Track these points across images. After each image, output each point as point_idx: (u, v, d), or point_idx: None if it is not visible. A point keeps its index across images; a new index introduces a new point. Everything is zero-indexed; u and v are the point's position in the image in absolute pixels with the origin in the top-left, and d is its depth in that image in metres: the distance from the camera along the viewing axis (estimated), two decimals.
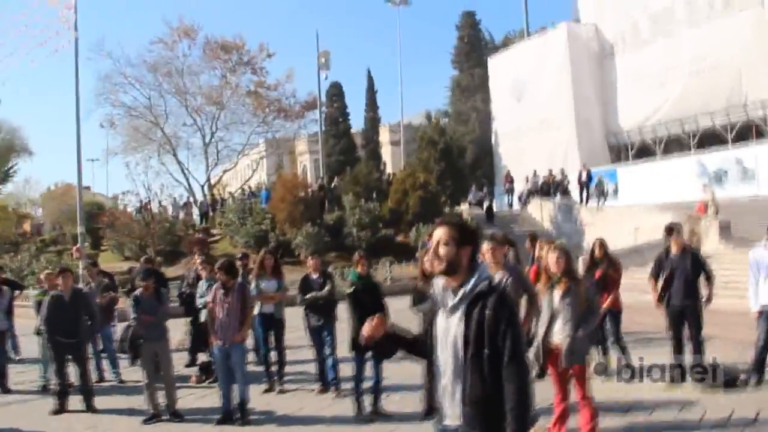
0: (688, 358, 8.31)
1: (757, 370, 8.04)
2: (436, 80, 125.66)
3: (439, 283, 3.42)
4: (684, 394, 7.66)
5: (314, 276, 9.41)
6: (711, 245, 18.24)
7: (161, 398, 8.37)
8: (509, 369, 3.16)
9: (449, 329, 3.32)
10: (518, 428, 3.15)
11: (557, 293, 6.14)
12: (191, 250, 23.80)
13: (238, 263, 10.59)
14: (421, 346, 3.56)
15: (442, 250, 3.31)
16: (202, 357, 11.27)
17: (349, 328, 7.77)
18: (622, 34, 37.85)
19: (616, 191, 34.01)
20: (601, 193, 30.12)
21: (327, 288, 9.22)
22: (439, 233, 3.37)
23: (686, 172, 30.91)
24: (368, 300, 7.67)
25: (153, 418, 8.19)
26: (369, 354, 7.79)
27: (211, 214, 34.27)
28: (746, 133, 32.93)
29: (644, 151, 37.74)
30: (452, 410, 3.33)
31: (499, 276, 6.60)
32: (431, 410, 3.60)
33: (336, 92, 53.86)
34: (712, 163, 30.84)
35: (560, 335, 6.03)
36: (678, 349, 8.37)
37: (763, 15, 29.46)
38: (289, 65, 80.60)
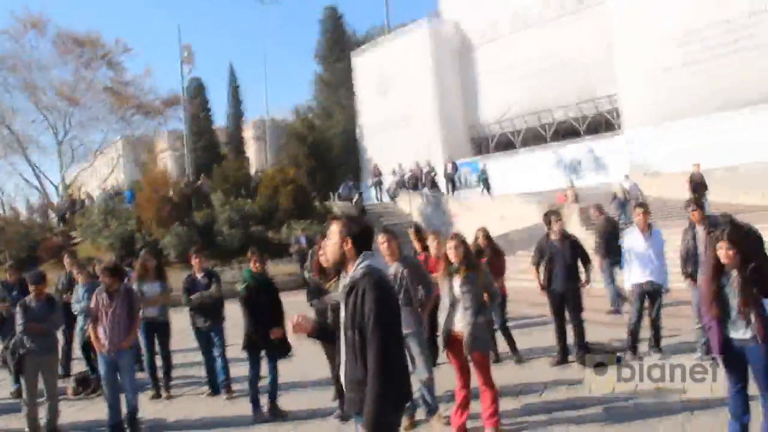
0: (571, 340, 8.74)
1: (632, 346, 8.56)
2: (299, 76, 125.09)
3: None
4: (570, 374, 8.05)
5: (199, 276, 9.11)
6: (573, 232, 19.17)
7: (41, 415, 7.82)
8: (369, 351, 3.32)
9: (341, 316, 3.56)
10: (371, 410, 3.27)
11: (456, 281, 6.26)
12: (52, 256, 22.54)
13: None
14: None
15: (328, 245, 3.60)
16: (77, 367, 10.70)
17: (244, 327, 7.60)
18: (482, 30, 39.13)
19: (479, 183, 35.25)
20: (486, 184, 30.99)
21: (213, 288, 8.96)
22: (329, 230, 3.64)
23: (545, 162, 32.50)
24: (263, 298, 7.54)
25: None
26: (263, 353, 7.68)
27: (68, 216, 32.39)
28: (597, 124, 35.05)
29: (505, 144, 39.27)
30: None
31: (395, 267, 6.66)
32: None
33: (197, 88, 52.46)
34: (568, 154, 32.59)
35: (461, 323, 6.15)
36: (561, 333, 8.75)
37: (609, 12, 31.33)
38: (149, 61, 77.21)
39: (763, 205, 20.31)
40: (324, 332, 3.94)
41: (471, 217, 24.50)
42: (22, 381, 7.87)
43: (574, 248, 8.78)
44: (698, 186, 20.54)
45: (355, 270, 3.47)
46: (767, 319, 5.03)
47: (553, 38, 34.57)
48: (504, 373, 7.87)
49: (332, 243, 3.55)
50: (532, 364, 8.82)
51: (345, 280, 3.54)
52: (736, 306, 5.11)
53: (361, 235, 3.58)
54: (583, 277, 8.85)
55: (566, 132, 36.16)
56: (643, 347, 8.61)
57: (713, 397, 6.30)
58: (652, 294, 8.57)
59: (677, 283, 11.60)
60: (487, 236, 9.56)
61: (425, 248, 9.23)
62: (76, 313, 9.91)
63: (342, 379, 3.58)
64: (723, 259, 5.12)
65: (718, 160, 24.78)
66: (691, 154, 25.81)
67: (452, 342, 6.22)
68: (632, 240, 8.69)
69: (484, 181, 31.07)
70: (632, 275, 8.63)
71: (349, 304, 3.43)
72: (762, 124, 24.28)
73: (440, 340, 6.48)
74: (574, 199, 24.00)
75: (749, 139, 24.30)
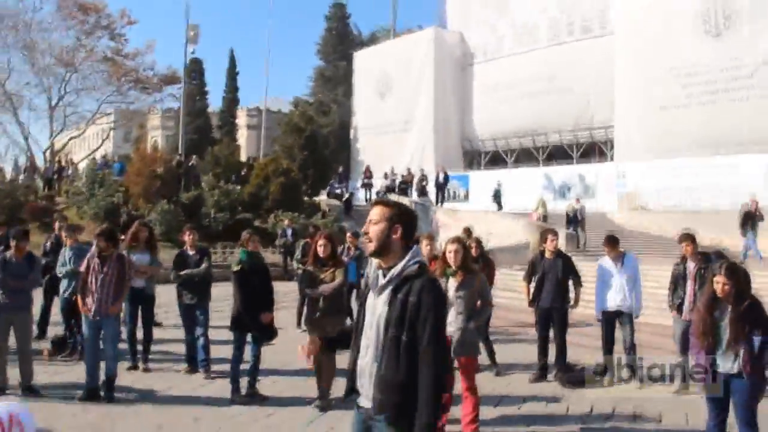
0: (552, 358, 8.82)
1: (609, 370, 8.65)
2: (298, 70, 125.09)
3: (374, 263, 3.44)
4: (549, 391, 8.12)
5: (190, 252, 9.10)
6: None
7: (11, 372, 7.73)
8: (426, 354, 3.13)
9: (375, 310, 3.30)
10: (428, 415, 3.10)
11: (452, 285, 6.30)
12: (35, 219, 22.37)
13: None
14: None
15: (372, 229, 3.31)
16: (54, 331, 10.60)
17: (233, 307, 7.61)
18: (485, 44, 39.39)
19: (467, 196, 35.41)
20: (498, 200, 30.78)
21: (204, 265, 8.95)
22: (373, 212, 3.37)
23: (534, 183, 32.65)
24: (256, 280, 7.54)
25: None
26: (249, 335, 7.69)
27: (55, 181, 32.05)
28: (590, 152, 35.35)
29: (496, 160, 39.49)
30: (368, 391, 3.30)
31: None
32: (351, 391, 3.56)
33: (196, 69, 52.33)
34: (558, 177, 32.78)
35: (452, 327, 6.18)
36: (544, 349, 8.82)
37: (613, 44, 31.64)
38: (150, 35, 76.62)
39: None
40: (332, 343, 3.82)
41: (458, 228, 24.50)
42: None
43: (567, 267, 8.86)
44: (752, 218, 20.05)
45: (406, 264, 3.24)
46: (755, 354, 5.16)
47: (557, 62, 34.86)
48: (483, 384, 7.89)
49: (379, 228, 3.30)
50: (511, 378, 8.88)
51: (387, 272, 3.28)
52: (725, 339, 5.21)
53: (409, 224, 3.37)
54: (572, 297, 8.94)
55: (558, 155, 36.45)
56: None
57: (689, 429, 6.39)
58: (622, 321, 8.68)
59: (653, 316, 11.79)
60: (480, 246, 9.60)
61: None
62: (60, 275, 9.82)
63: (364, 371, 3.35)
64: (719, 293, 5.23)
65: (705, 201, 25.13)
66: (678, 193, 26.18)
67: None
68: (604, 266, 8.80)
69: (497, 198, 30.70)
70: (601, 301, 8.73)
71: (396, 301, 3.21)
72: (750, 170, 24.62)
73: None
74: (542, 218, 24.58)
75: (736, 184, 24.61)
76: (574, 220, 23.84)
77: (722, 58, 27.43)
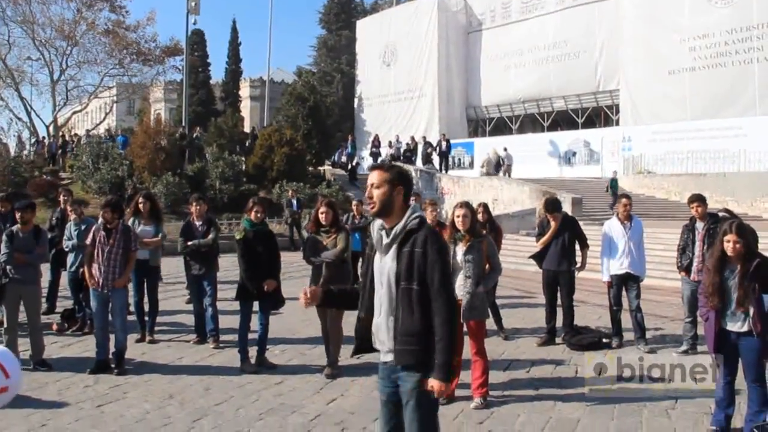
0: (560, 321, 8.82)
1: (617, 333, 8.66)
2: (301, 38, 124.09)
3: (376, 225, 3.58)
4: (557, 354, 8.13)
5: (197, 223, 9.06)
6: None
7: (22, 346, 7.75)
8: (437, 301, 3.35)
9: (384, 268, 3.50)
10: (445, 359, 3.33)
11: (460, 249, 6.28)
12: (40, 195, 22.37)
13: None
14: (355, 299, 3.75)
15: (374, 193, 3.50)
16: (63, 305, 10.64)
17: (239, 277, 7.60)
18: (491, 11, 38.96)
19: (471, 163, 35.28)
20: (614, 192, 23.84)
21: (211, 236, 8.92)
22: (373, 177, 3.56)
23: (539, 150, 32.52)
24: (261, 249, 7.49)
25: None
26: (255, 305, 7.69)
27: (59, 156, 31.98)
28: (595, 118, 35.13)
29: (500, 127, 39.27)
30: (387, 346, 3.49)
31: None
32: (359, 350, 3.75)
33: (198, 40, 51.95)
34: (563, 143, 32.60)
35: (461, 291, 6.17)
36: (551, 312, 8.81)
37: (620, 7, 31.23)
38: (151, 6, 75.64)
39: (752, 214, 20.52)
40: (331, 298, 3.95)
41: (463, 195, 24.51)
42: (3, 309, 7.80)
43: (573, 231, 8.81)
44: None
45: (408, 220, 3.43)
46: (764, 314, 5.14)
47: (564, 28, 34.52)
48: (491, 348, 7.89)
49: (382, 191, 3.48)
50: (519, 342, 8.90)
51: (390, 231, 3.46)
52: (734, 298, 5.19)
53: (409, 185, 3.58)
54: (578, 260, 8.91)
55: (562, 121, 36.25)
56: (629, 335, 8.67)
57: (698, 388, 6.38)
58: (628, 284, 8.61)
59: (660, 279, 11.78)
60: (487, 211, 9.51)
61: None
62: (66, 249, 9.81)
63: (381, 327, 3.53)
64: (729, 252, 5.20)
65: (710, 166, 25.03)
66: (684, 158, 26.04)
67: None
68: (611, 229, 8.72)
69: (614, 189, 24.35)
70: (609, 265, 8.68)
71: (403, 255, 3.40)
72: (757, 134, 24.42)
73: None
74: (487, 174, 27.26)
75: (743, 148, 24.52)
76: (497, 167, 26.02)
77: (731, 21, 27.07)
